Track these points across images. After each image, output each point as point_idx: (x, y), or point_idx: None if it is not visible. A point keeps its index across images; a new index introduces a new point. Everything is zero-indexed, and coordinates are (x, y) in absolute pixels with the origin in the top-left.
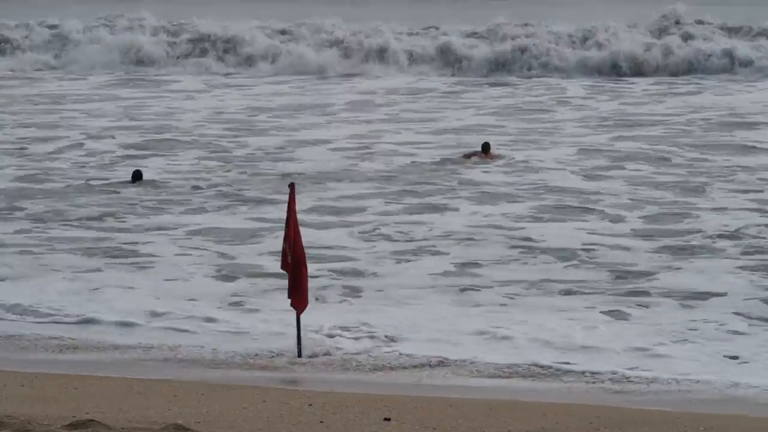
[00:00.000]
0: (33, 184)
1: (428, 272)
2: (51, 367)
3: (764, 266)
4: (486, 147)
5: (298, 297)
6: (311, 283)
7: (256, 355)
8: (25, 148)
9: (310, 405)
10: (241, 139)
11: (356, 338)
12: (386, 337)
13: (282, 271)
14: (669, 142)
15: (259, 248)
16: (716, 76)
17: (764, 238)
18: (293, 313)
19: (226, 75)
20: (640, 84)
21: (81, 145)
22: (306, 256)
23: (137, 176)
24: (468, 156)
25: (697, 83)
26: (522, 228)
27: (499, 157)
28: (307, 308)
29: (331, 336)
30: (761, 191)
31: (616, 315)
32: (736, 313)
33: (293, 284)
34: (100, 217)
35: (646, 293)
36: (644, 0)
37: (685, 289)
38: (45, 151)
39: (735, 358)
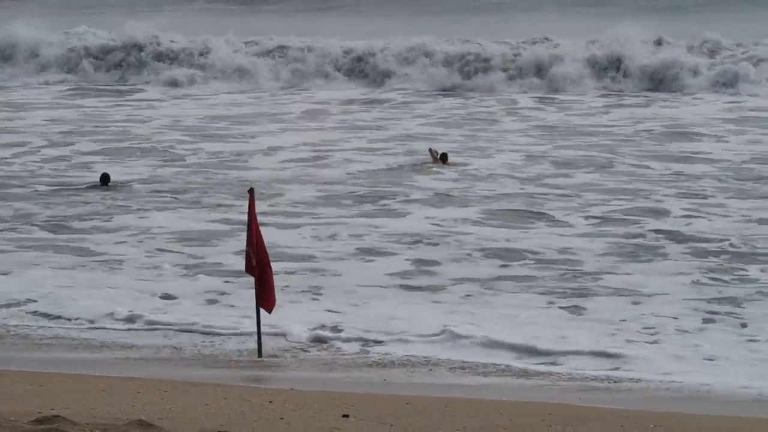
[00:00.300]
0: None
1: (385, 272)
2: (17, 364)
3: (708, 266)
4: (444, 157)
5: (267, 297)
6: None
7: (218, 353)
8: None
9: (271, 402)
10: (198, 145)
11: (316, 337)
12: (346, 335)
13: (246, 273)
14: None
15: (223, 249)
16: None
17: (706, 240)
18: (254, 313)
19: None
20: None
21: (38, 151)
22: (269, 257)
23: (105, 179)
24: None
25: (646, 96)
26: (472, 233)
27: (456, 165)
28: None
29: (291, 334)
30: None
31: (570, 314)
32: (684, 312)
33: (260, 286)
34: (66, 220)
35: (595, 293)
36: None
37: (633, 289)
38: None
39: (685, 357)
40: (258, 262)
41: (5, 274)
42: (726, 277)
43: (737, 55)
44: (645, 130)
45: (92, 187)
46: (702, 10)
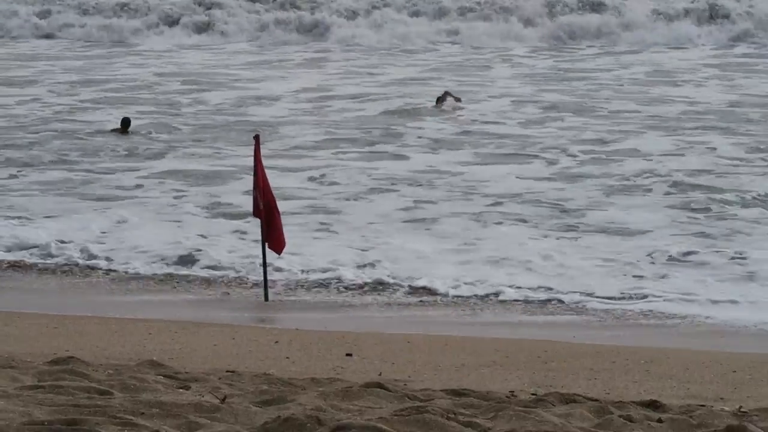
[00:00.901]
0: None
1: (387, 210)
2: (34, 307)
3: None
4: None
5: (276, 240)
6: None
7: (226, 296)
8: None
9: (277, 342)
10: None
11: (319, 279)
12: (347, 276)
13: (254, 217)
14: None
15: (234, 189)
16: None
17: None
18: (261, 255)
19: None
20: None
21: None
22: (276, 200)
23: (126, 123)
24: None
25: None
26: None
27: (455, 108)
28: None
29: (297, 275)
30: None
31: (562, 249)
32: (668, 248)
33: (268, 229)
34: (81, 161)
35: (584, 229)
36: None
37: (620, 226)
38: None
39: (677, 291)
40: (265, 206)
41: (29, 219)
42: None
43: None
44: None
45: (114, 130)
46: None
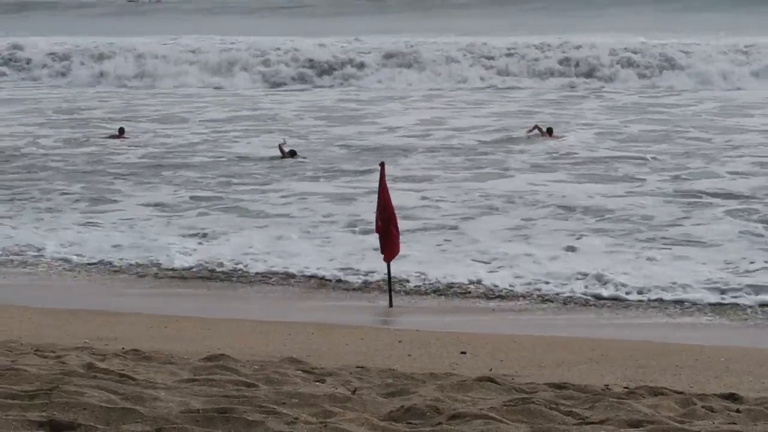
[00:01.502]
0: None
1: (499, 227)
2: (189, 311)
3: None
4: (550, 130)
5: (388, 250)
6: (403, 240)
7: (358, 302)
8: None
9: (400, 341)
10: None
11: (438, 286)
12: (460, 283)
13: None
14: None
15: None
16: None
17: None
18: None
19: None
20: None
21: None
22: (396, 219)
23: (293, 153)
24: (531, 131)
25: None
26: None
27: (559, 137)
28: (397, 257)
29: (417, 284)
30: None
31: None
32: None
33: (383, 242)
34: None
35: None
36: None
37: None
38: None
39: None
40: (383, 222)
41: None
42: None
43: None
44: None
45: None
46: None
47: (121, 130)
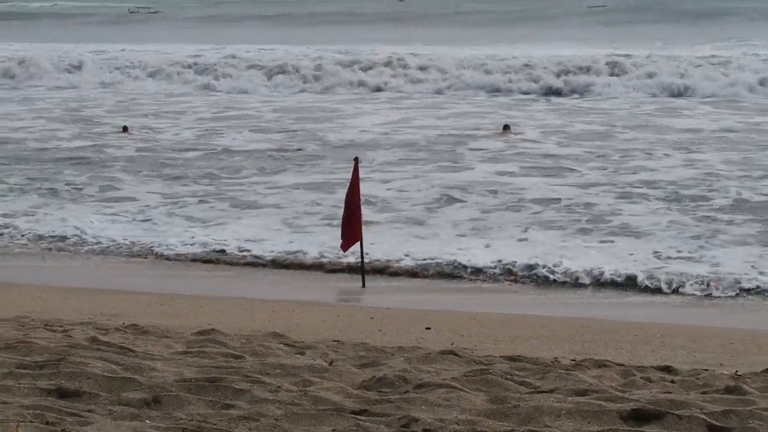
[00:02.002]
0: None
1: (461, 216)
2: (183, 290)
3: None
4: (506, 126)
5: (345, 240)
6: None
7: (334, 282)
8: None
9: (372, 318)
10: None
11: (408, 265)
12: (425, 265)
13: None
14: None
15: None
16: None
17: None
18: (359, 249)
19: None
20: None
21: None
22: (360, 210)
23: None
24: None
25: None
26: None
27: (517, 134)
28: (371, 244)
29: (387, 265)
30: None
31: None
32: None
33: (344, 231)
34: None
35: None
36: None
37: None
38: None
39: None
40: (348, 212)
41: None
42: None
43: None
44: None
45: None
46: None
47: (125, 128)
